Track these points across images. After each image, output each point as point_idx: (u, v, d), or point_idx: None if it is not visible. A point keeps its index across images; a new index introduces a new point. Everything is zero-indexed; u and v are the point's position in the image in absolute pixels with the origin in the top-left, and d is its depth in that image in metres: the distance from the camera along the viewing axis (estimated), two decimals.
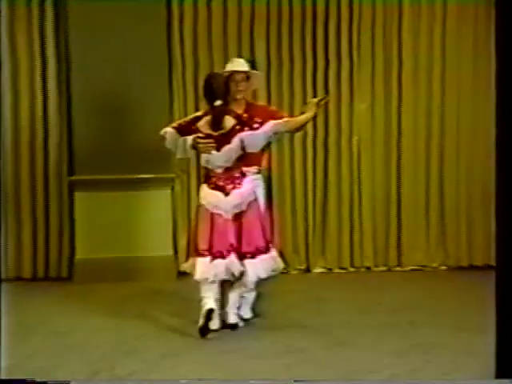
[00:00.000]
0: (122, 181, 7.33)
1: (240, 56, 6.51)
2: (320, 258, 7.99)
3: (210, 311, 5.38)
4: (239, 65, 5.84)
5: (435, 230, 8.04)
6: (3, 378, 4.13)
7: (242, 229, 5.48)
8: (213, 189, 5.52)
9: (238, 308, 5.70)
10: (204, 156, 5.53)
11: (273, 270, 5.60)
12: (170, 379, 4.44)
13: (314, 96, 7.31)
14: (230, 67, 5.83)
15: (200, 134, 5.48)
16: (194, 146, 5.52)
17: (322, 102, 5.68)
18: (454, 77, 7.93)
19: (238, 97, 5.74)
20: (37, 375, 4.70)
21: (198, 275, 5.44)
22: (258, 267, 5.47)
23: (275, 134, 5.59)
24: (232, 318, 5.59)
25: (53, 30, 7.58)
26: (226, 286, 5.61)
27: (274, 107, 6.80)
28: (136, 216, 7.45)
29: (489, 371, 3.92)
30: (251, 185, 5.61)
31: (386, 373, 4.65)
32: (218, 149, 5.47)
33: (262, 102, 7.39)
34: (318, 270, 7.98)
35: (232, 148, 5.46)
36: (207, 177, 5.61)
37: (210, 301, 5.42)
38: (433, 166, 8.02)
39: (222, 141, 5.46)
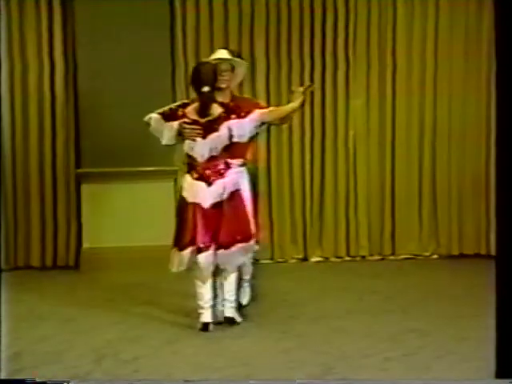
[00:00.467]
0: (127, 173, 7.44)
1: (224, 47, 6.29)
2: (317, 248, 8.09)
3: (206, 325, 5.33)
4: (222, 54, 5.71)
5: (427, 220, 8.15)
6: (3, 378, 4.17)
7: (222, 219, 5.30)
8: (196, 179, 5.33)
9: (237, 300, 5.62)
10: (189, 143, 5.33)
11: (242, 260, 5.54)
12: (171, 379, 4.45)
13: (311, 95, 7.48)
14: (213, 57, 5.71)
15: (186, 120, 5.31)
16: (180, 132, 5.32)
17: (308, 91, 5.55)
18: (447, 73, 8.02)
19: (223, 86, 5.55)
20: (45, 360, 4.85)
21: (175, 267, 5.37)
22: (231, 257, 5.36)
23: (262, 123, 5.49)
24: (228, 312, 5.48)
25: (60, 30, 7.71)
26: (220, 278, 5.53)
27: (259, 100, 6.72)
28: (140, 207, 7.54)
29: (480, 355, 4.12)
30: (236, 175, 5.45)
31: (380, 357, 4.77)
32: (205, 136, 5.29)
33: (262, 97, 7.57)
34: (315, 259, 8.06)
35: (219, 136, 5.30)
36: (191, 166, 5.39)
37: (205, 313, 5.34)
38: (425, 159, 8.11)
39: (208, 128, 5.29)
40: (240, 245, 5.36)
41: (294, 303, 6.27)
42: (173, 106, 5.55)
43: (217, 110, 5.32)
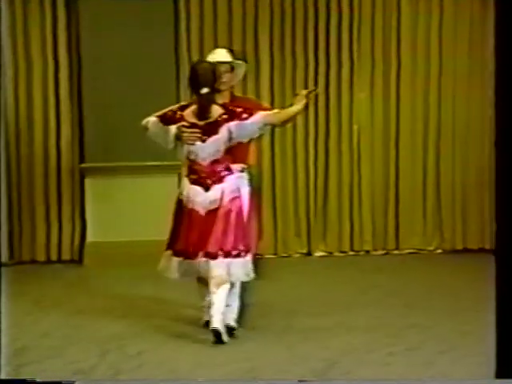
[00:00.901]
0: (131, 168, 7.48)
1: (222, 46, 6.16)
2: (321, 242, 8.13)
3: (217, 332, 4.91)
4: (222, 55, 5.37)
5: (431, 215, 8.19)
6: (3, 378, 4.15)
7: (214, 226, 4.96)
8: (193, 183, 5.06)
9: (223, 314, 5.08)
10: (187, 147, 5.07)
11: (241, 277, 5.06)
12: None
13: (315, 85, 7.52)
14: (211, 58, 5.34)
15: (185, 123, 5.04)
16: (178, 136, 5.06)
17: (312, 95, 5.31)
18: (451, 66, 8.05)
19: (222, 88, 5.26)
20: (49, 354, 4.86)
21: (165, 271, 5.12)
22: (225, 269, 4.95)
23: (265, 125, 5.15)
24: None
25: (64, 29, 7.78)
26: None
27: (260, 101, 6.57)
28: (144, 201, 7.58)
29: (483, 350, 4.13)
30: (236, 181, 5.12)
31: (383, 352, 4.78)
32: (204, 140, 5.02)
33: (265, 96, 7.65)
34: (319, 253, 8.11)
35: (219, 138, 5.01)
36: (190, 170, 5.13)
37: (215, 320, 4.90)
38: (429, 154, 8.15)
39: (208, 131, 5.01)
40: (228, 259, 4.97)
41: (297, 298, 6.28)
42: (171, 108, 5.23)
43: (217, 111, 5.05)
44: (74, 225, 7.94)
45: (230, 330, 5.11)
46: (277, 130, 7.80)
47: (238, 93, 5.78)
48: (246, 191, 5.26)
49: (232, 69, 5.36)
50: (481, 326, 5.02)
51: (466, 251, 8.14)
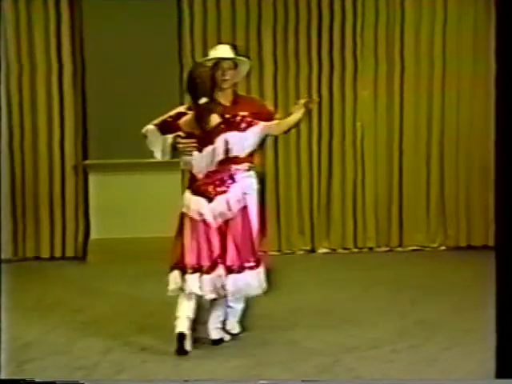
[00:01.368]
0: (135, 164, 7.48)
1: (225, 42, 5.91)
2: (324, 239, 8.15)
3: (181, 336, 4.70)
4: (224, 51, 5.10)
5: (435, 212, 8.19)
6: (3, 378, 4.15)
7: (228, 240, 4.74)
8: (195, 194, 4.80)
9: (224, 321, 5.06)
10: (184, 158, 4.85)
11: (256, 289, 4.84)
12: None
13: (318, 88, 7.57)
14: (214, 54, 5.09)
15: (181, 133, 4.81)
16: (175, 146, 4.85)
17: (312, 104, 5.06)
18: (455, 64, 8.06)
19: (225, 86, 5.02)
20: (53, 350, 4.87)
21: (187, 291, 4.75)
22: (240, 284, 4.74)
23: (267, 136, 5.00)
24: (214, 334, 4.92)
25: (68, 28, 7.81)
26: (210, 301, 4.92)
27: (264, 101, 6.29)
28: (148, 198, 7.60)
29: (487, 347, 4.10)
30: (240, 190, 4.87)
31: (387, 349, 4.79)
32: (200, 149, 4.77)
33: (269, 96, 7.65)
34: (323, 250, 8.13)
35: (215, 149, 4.76)
36: (191, 181, 4.89)
37: (181, 322, 4.74)
38: (433, 150, 8.15)
39: (204, 140, 4.75)
40: (250, 272, 4.79)
41: (301, 294, 6.29)
42: (169, 114, 4.97)
43: (214, 120, 4.77)
44: (78, 221, 7.97)
45: (233, 335, 5.09)
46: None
47: (241, 92, 5.68)
48: (254, 191, 5.09)
49: (235, 66, 5.10)
50: (484, 323, 4.96)
51: (470, 248, 8.15)
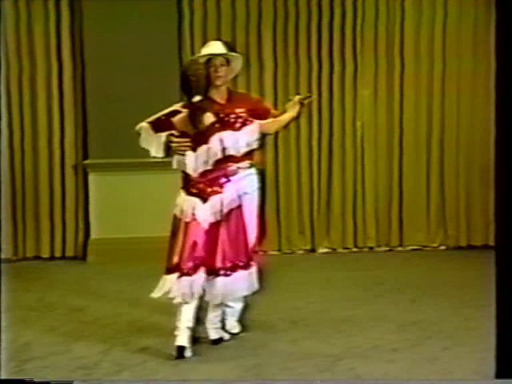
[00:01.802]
0: (135, 164, 7.44)
1: (218, 39, 5.82)
2: (324, 239, 8.14)
3: (181, 348, 4.66)
4: (216, 48, 5.01)
5: (435, 211, 8.18)
6: (3, 378, 4.15)
7: (219, 241, 4.67)
8: (189, 195, 4.72)
9: (223, 321, 5.07)
10: (177, 157, 4.77)
11: (245, 290, 4.82)
12: (170, 379, 4.43)
13: (318, 87, 7.57)
14: (205, 51, 5.01)
15: (174, 132, 4.74)
16: (168, 145, 4.77)
17: (306, 102, 4.99)
18: (455, 63, 8.05)
19: (218, 83, 4.92)
20: (53, 350, 4.87)
21: (157, 291, 4.77)
22: (229, 286, 4.69)
23: (263, 135, 4.92)
24: (212, 334, 4.93)
25: (68, 27, 7.81)
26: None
27: (257, 97, 6.16)
28: (147, 197, 7.60)
29: (487, 347, 4.11)
30: (235, 189, 4.80)
31: (387, 348, 4.79)
32: (194, 149, 4.68)
33: (269, 95, 7.66)
34: (323, 250, 8.12)
35: (210, 148, 4.67)
36: (185, 181, 4.80)
37: (181, 335, 4.68)
38: (433, 149, 8.14)
39: (198, 140, 4.67)
40: (242, 272, 4.73)
41: (301, 294, 6.29)
42: (163, 113, 4.88)
43: (208, 119, 4.69)
44: (78, 221, 7.97)
45: (233, 335, 5.10)
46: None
47: (242, 90, 5.67)
48: (255, 190, 5.05)
49: (228, 62, 5.01)
50: (485, 322, 4.99)
51: (470, 248, 8.15)
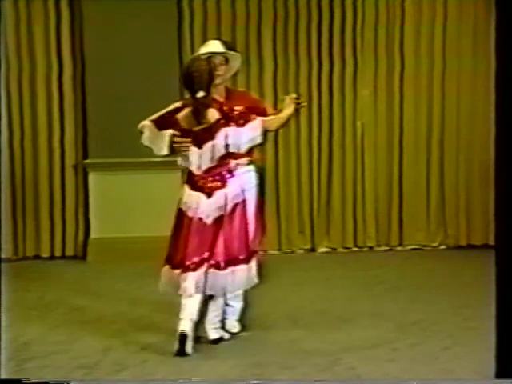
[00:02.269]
0: (135, 163, 7.48)
1: (217, 38, 5.82)
2: (324, 238, 8.14)
3: (183, 336, 4.65)
4: (215, 47, 5.04)
5: (435, 211, 8.19)
6: (3, 378, 4.13)
7: (220, 235, 4.69)
8: (194, 190, 4.75)
9: (223, 320, 5.07)
10: (181, 155, 4.79)
11: (244, 285, 4.85)
12: (170, 378, 4.42)
13: (318, 87, 7.62)
14: (204, 50, 5.02)
15: (176, 133, 4.74)
16: (172, 146, 4.78)
17: (299, 107, 4.95)
18: (455, 62, 8.06)
19: (217, 82, 4.91)
20: (54, 350, 4.87)
21: (162, 286, 4.84)
22: (230, 280, 4.72)
23: (264, 131, 4.89)
24: (212, 334, 4.92)
25: (68, 27, 7.83)
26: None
27: (255, 95, 6.03)
28: (148, 197, 7.60)
29: (487, 347, 4.12)
30: (239, 184, 4.82)
31: (387, 347, 4.79)
32: (200, 145, 4.71)
33: (269, 94, 7.67)
34: (323, 249, 8.13)
35: (216, 144, 4.71)
36: (189, 176, 4.82)
37: (184, 323, 4.69)
38: (433, 149, 8.15)
39: (203, 136, 4.69)
40: (242, 266, 4.75)
41: (301, 294, 6.30)
42: (166, 110, 4.89)
43: (213, 115, 4.70)
44: (78, 221, 7.98)
45: (233, 334, 5.09)
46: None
47: (239, 88, 5.68)
48: (254, 187, 5.05)
49: (226, 61, 5.03)
50: (485, 322, 4.99)
51: (470, 247, 8.15)
